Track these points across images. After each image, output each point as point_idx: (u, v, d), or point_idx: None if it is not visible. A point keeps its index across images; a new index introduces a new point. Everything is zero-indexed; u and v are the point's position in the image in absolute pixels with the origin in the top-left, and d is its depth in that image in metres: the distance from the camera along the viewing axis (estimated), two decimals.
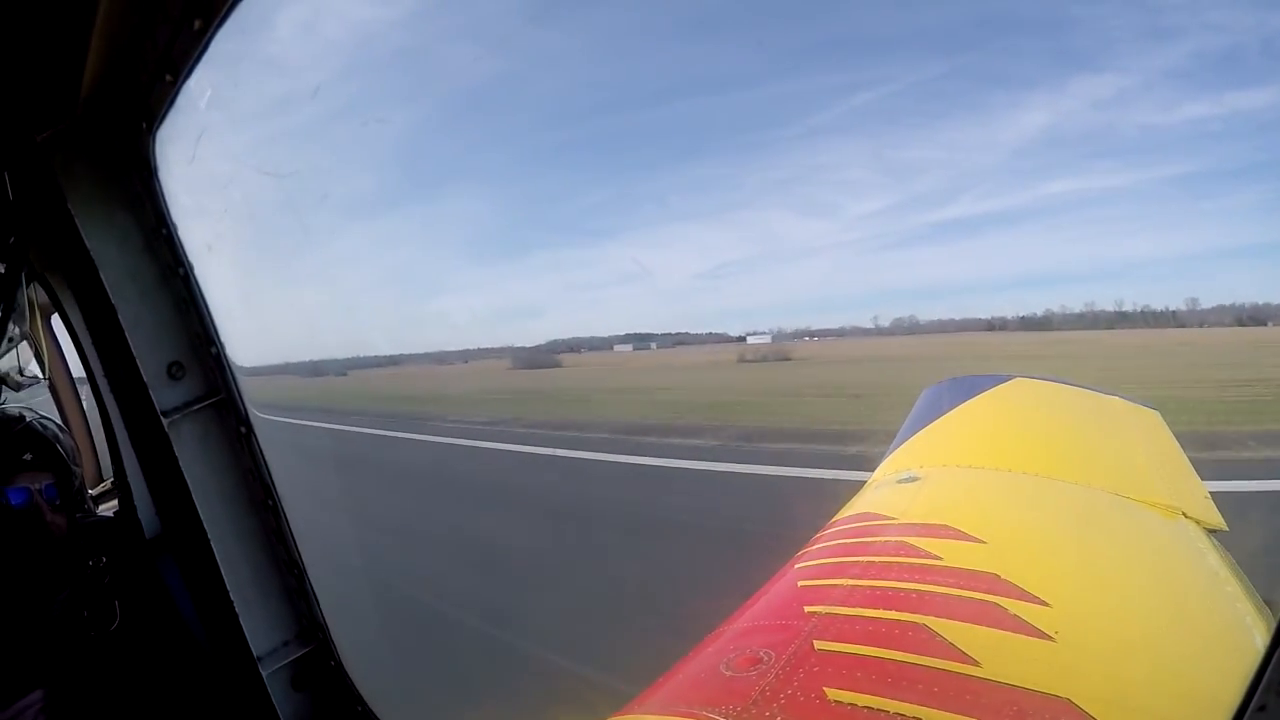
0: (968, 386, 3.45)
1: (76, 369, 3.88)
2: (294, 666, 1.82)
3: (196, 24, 1.11)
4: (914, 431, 3.27)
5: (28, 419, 2.17)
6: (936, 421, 3.27)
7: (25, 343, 2.81)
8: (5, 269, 1.98)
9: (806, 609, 2.03)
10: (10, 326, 2.21)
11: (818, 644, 1.83)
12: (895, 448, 3.21)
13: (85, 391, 4.06)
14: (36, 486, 2.05)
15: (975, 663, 1.67)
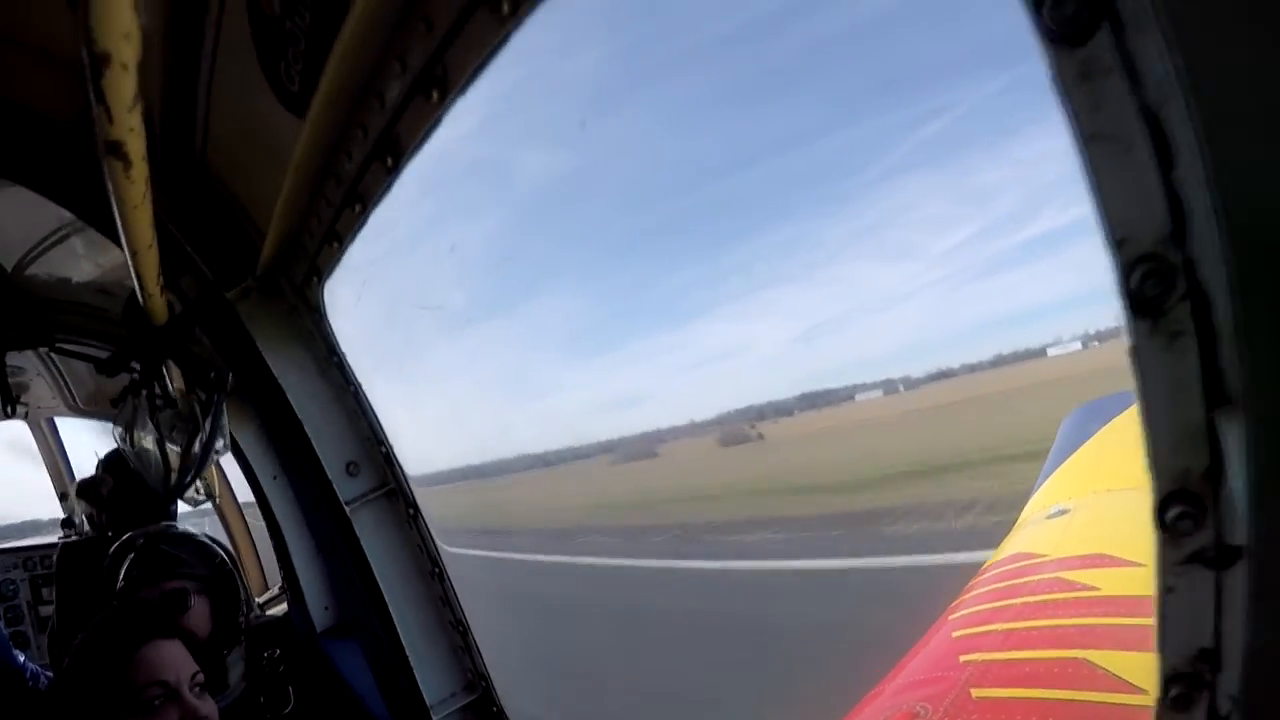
0: (1106, 408, 3.30)
1: (242, 494, 4.40)
2: (462, 713, 2.04)
3: (357, 208, 1.46)
4: (1058, 463, 3.17)
5: (194, 536, 2.59)
6: (1080, 450, 3.14)
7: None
8: (213, 399, 2.44)
9: (962, 658, 2.04)
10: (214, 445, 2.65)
11: (975, 692, 1.84)
12: (1041, 483, 3.11)
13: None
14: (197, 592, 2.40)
15: (1141, 691, 1.64)
